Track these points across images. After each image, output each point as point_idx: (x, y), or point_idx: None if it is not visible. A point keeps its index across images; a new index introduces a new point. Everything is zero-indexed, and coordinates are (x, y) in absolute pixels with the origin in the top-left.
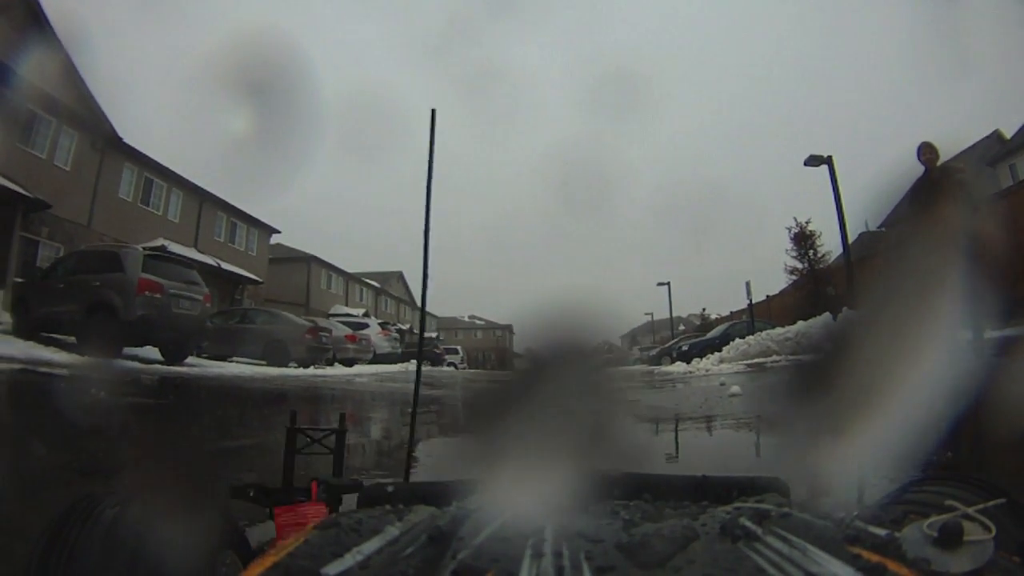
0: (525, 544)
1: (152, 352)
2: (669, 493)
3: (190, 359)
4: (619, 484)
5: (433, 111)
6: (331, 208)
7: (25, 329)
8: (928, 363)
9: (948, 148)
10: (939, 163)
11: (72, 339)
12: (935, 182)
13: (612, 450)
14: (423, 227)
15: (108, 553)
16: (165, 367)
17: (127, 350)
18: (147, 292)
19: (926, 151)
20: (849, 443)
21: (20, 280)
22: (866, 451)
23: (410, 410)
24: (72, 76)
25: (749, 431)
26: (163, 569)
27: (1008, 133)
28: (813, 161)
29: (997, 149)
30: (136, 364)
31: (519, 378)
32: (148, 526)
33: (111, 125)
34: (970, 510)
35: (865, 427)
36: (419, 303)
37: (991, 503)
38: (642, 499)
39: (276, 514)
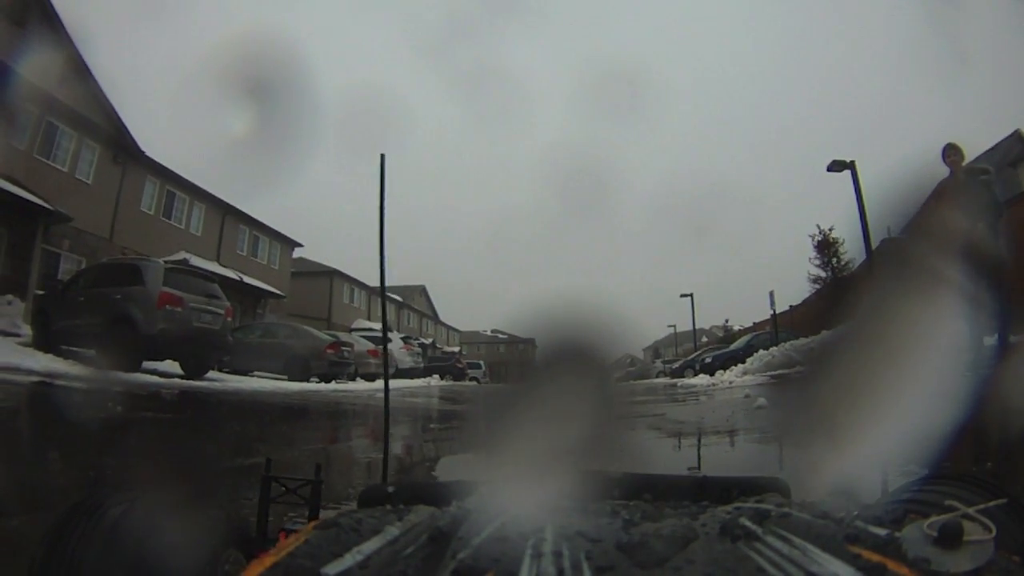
0: (525, 544)
1: (173, 366)
2: (669, 493)
3: (211, 373)
4: (619, 484)
5: (382, 156)
6: (352, 221)
7: (45, 342)
8: (936, 366)
9: (969, 149)
10: (964, 164)
11: (92, 352)
12: (960, 184)
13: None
14: (379, 259)
15: (111, 553)
16: (185, 381)
17: (147, 364)
18: (168, 306)
19: (951, 152)
20: (852, 444)
21: (41, 292)
22: (869, 452)
23: (432, 426)
24: (94, 90)
25: (778, 444)
26: (166, 569)
27: None
28: (836, 166)
29: (1019, 149)
30: (155, 378)
31: (536, 388)
32: (151, 526)
33: (133, 139)
34: (970, 510)
35: (870, 428)
36: (440, 317)
37: (992, 503)
38: (642, 499)
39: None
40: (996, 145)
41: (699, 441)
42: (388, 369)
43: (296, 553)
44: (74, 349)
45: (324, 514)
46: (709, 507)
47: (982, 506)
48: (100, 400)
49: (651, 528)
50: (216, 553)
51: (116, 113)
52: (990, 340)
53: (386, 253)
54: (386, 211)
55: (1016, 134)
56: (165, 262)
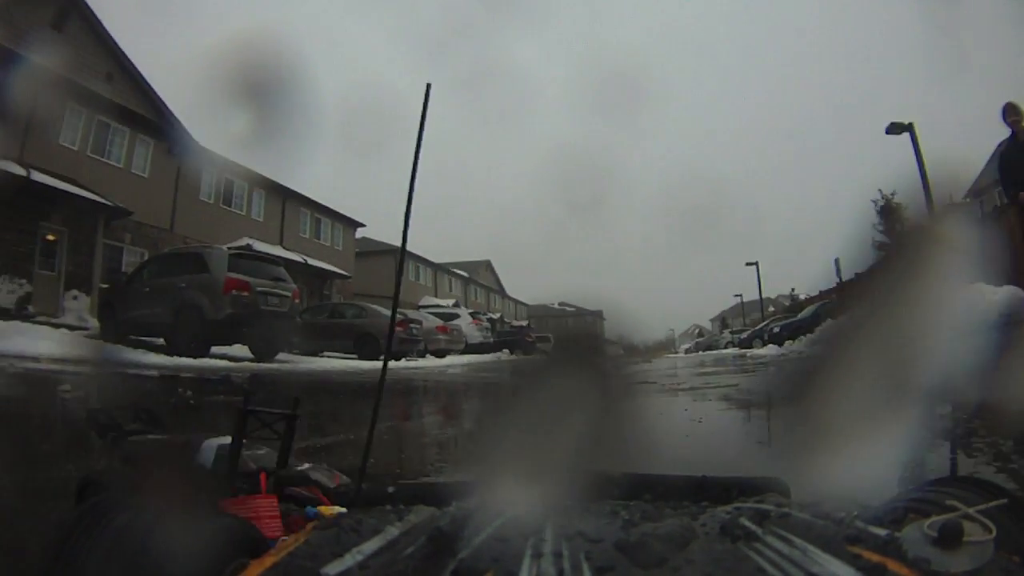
0: (525, 544)
1: (243, 351)
2: (669, 493)
3: (281, 355)
4: (619, 484)
5: (428, 86)
6: (415, 199)
7: (113, 333)
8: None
9: None
10: None
11: (161, 341)
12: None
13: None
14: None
15: (116, 563)
16: (256, 364)
17: (217, 349)
18: (234, 291)
19: (1011, 112)
20: (851, 442)
21: (105, 286)
22: (869, 452)
23: (498, 402)
24: (141, 85)
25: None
26: None
27: None
28: (894, 129)
29: None
30: (225, 363)
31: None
32: (159, 534)
33: (186, 130)
34: (970, 510)
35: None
36: (507, 291)
37: (992, 503)
38: (642, 499)
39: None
40: None
41: (768, 413)
42: (482, 357)
43: (296, 553)
44: (143, 339)
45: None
46: (709, 507)
47: (982, 506)
48: (169, 387)
49: (651, 528)
50: (226, 563)
51: (165, 106)
52: None
53: (414, 196)
54: (422, 149)
55: None
56: (228, 248)
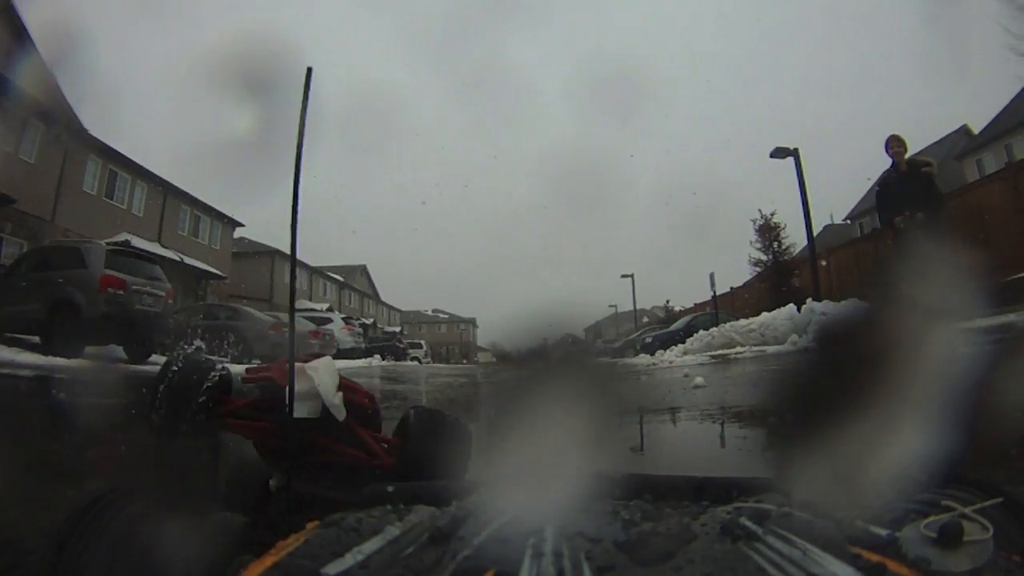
0: (525, 544)
1: (118, 351)
2: (669, 493)
3: (155, 357)
4: (619, 484)
5: (309, 70)
6: (290, 199)
7: None
8: (916, 357)
9: (916, 142)
10: (907, 156)
11: (36, 339)
12: (903, 175)
13: (580, 442)
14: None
15: (118, 561)
16: (129, 366)
17: (90, 349)
18: (110, 289)
19: (894, 144)
20: (850, 443)
21: None
22: (869, 452)
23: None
24: (39, 65)
25: (713, 422)
26: None
27: (976, 128)
28: (779, 153)
29: (965, 143)
30: (101, 363)
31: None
32: (160, 531)
33: (76, 117)
34: (969, 510)
35: (868, 427)
36: (381, 297)
37: (990, 502)
38: (642, 499)
39: None
40: (943, 139)
41: (641, 419)
42: (353, 363)
43: (296, 553)
44: (18, 336)
45: None
46: (709, 507)
47: (979, 505)
48: (43, 388)
49: (651, 528)
50: (227, 560)
51: (59, 89)
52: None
53: (300, 190)
54: (305, 137)
55: (963, 129)
56: (107, 244)
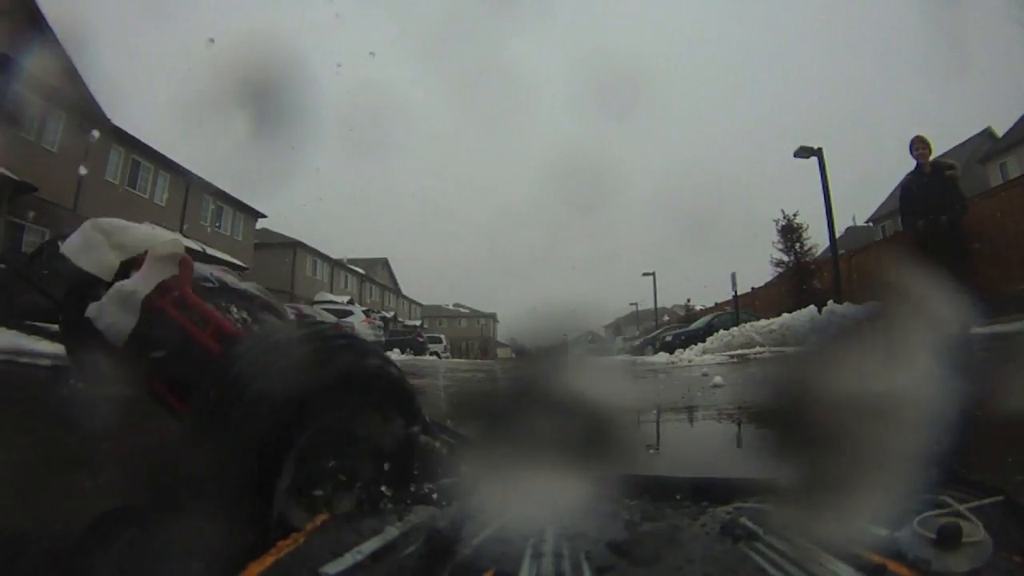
0: (525, 544)
1: None
2: (669, 493)
3: None
4: (619, 484)
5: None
6: (316, 192)
7: (8, 318)
8: (924, 360)
9: (940, 144)
10: (931, 158)
11: (56, 327)
12: (926, 178)
13: (594, 441)
14: None
15: (130, 572)
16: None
17: None
18: None
19: (918, 145)
20: (851, 444)
21: (2, 266)
22: (869, 452)
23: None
24: (60, 56)
25: (731, 422)
26: None
27: (1000, 131)
28: (803, 153)
29: (988, 146)
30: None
31: (503, 368)
32: (172, 543)
33: (99, 106)
34: (968, 509)
35: (867, 431)
36: (402, 291)
37: (988, 501)
38: (642, 499)
39: None
40: (966, 141)
41: (658, 418)
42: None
43: (296, 553)
44: (39, 325)
45: None
46: (709, 507)
47: (976, 503)
48: (65, 377)
49: (651, 528)
50: (237, 571)
51: (81, 77)
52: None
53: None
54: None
55: (987, 131)
56: None
